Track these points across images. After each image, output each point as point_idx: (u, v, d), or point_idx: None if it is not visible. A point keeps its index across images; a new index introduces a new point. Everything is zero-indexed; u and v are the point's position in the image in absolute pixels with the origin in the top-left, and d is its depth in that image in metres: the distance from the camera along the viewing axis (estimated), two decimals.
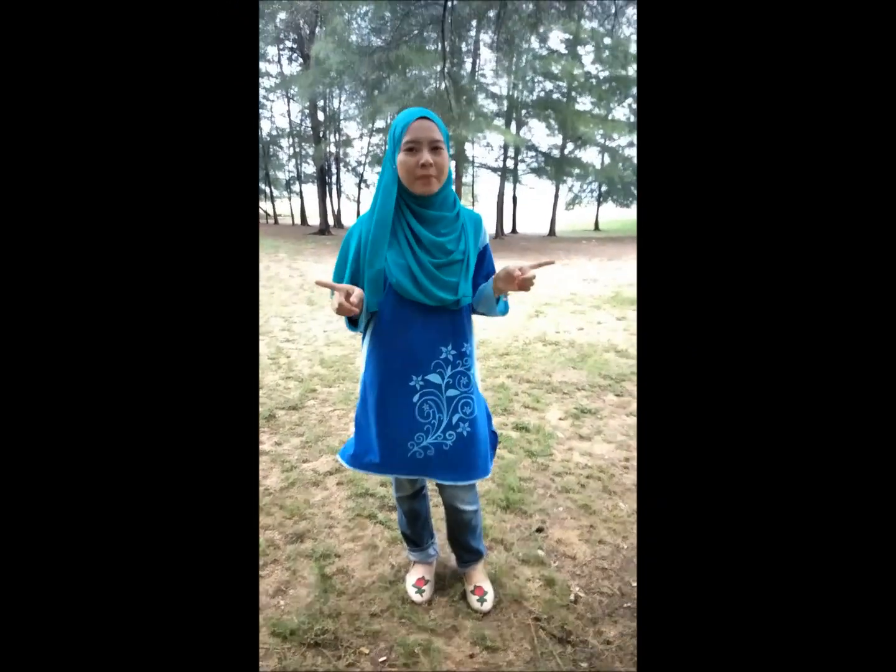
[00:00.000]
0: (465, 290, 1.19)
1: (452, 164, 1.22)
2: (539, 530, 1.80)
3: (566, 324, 5.10)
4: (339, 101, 19.89)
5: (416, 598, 1.46)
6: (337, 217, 22.10)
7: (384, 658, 1.28)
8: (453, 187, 1.23)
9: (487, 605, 1.43)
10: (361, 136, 20.80)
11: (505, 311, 1.29)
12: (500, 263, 1.21)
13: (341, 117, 20.27)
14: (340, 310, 1.07)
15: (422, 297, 1.16)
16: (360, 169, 22.35)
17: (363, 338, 1.30)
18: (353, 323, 1.25)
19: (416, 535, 1.51)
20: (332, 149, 20.11)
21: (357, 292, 1.09)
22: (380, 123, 18.42)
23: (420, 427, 1.25)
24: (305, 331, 4.69)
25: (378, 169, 22.17)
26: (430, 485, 1.62)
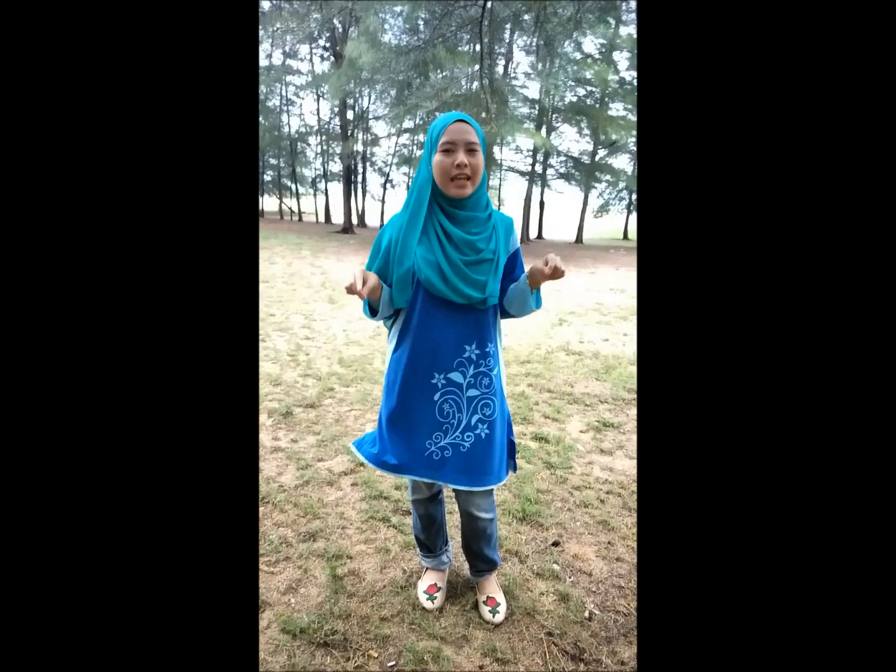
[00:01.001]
0: (492, 288, 1.19)
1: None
2: (555, 544, 1.76)
3: (591, 334, 5.03)
4: (369, 101, 20.07)
5: (428, 605, 1.44)
6: (361, 216, 22.26)
7: (393, 662, 1.27)
8: (477, 190, 1.23)
9: (500, 617, 1.41)
10: (389, 136, 20.90)
11: (538, 305, 1.29)
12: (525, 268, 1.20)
13: (370, 117, 20.44)
14: (349, 288, 1.04)
15: (450, 294, 1.17)
16: (385, 169, 22.49)
17: (389, 335, 1.32)
18: (371, 312, 1.25)
19: (430, 540, 1.50)
20: (360, 147, 20.27)
21: (370, 281, 1.09)
22: (408, 124, 18.51)
23: (439, 426, 1.25)
24: (325, 329, 4.72)
25: (404, 169, 22.32)
26: (447, 490, 1.60)
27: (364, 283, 1.06)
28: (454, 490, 1.36)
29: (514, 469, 1.41)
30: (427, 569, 1.53)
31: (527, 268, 1.23)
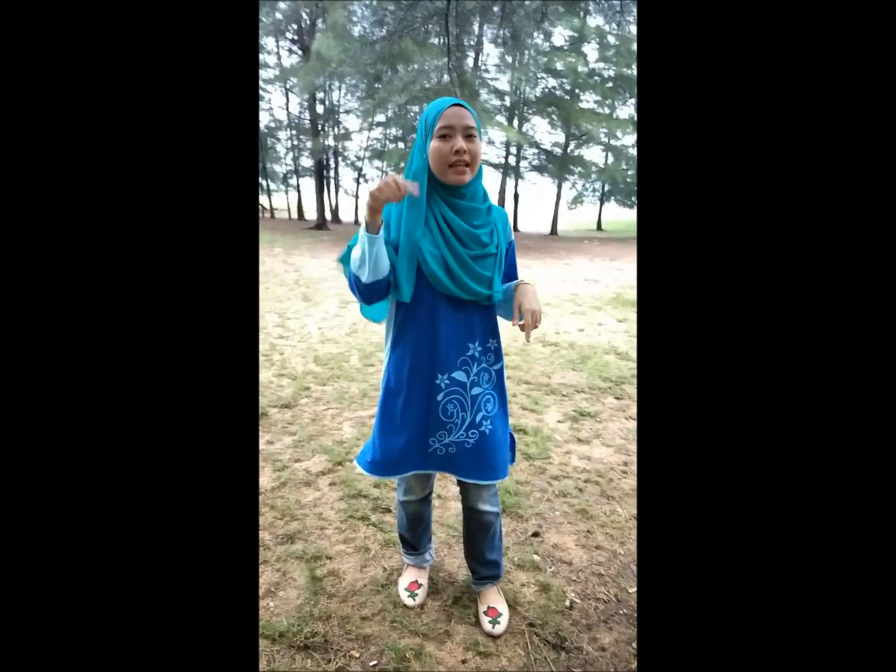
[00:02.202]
0: (497, 284, 1.16)
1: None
2: (535, 534, 1.77)
3: (566, 325, 5.08)
4: (340, 94, 19.79)
5: (409, 602, 1.43)
6: (335, 212, 22.01)
7: (375, 662, 1.26)
8: (475, 178, 1.17)
9: (500, 629, 1.35)
10: (361, 130, 20.67)
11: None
12: None
13: (341, 110, 20.17)
14: (385, 189, 0.97)
15: (456, 290, 1.13)
16: (358, 164, 22.24)
17: (386, 334, 1.25)
18: (368, 298, 1.13)
19: (415, 539, 1.48)
20: (331, 142, 20.00)
21: (414, 183, 1.01)
22: (380, 118, 18.33)
23: (443, 426, 1.21)
24: (300, 327, 4.66)
25: (377, 163, 22.11)
26: (442, 491, 1.60)
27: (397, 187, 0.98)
28: (460, 487, 1.34)
29: (513, 461, 1.37)
30: (408, 565, 1.52)
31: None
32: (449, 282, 1.12)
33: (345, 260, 1.17)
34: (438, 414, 1.19)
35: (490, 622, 1.36)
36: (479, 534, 1.39)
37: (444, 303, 1.15)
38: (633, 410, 2.91)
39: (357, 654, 1.28)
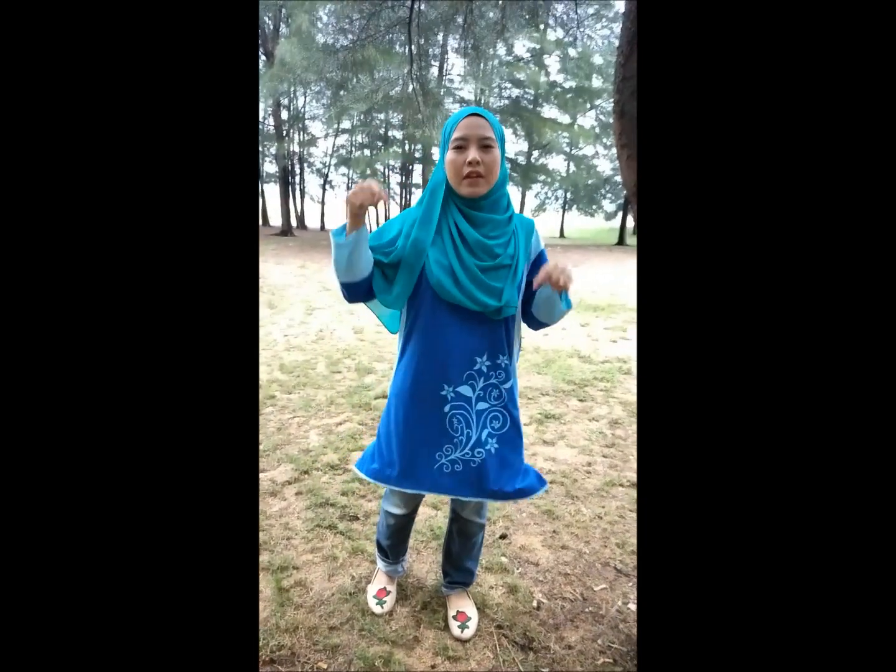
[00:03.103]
0: (509, 296, 1.11)
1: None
2: (503, 537, 1.79)
3: (531, 330, 5.14)
4: (305, 100, 19.60)
5: (377, 609, 1.42)
6: (300, 218, 21.70)
7: None
8: (495, 189, 1.13)
9: (469, 633, 1.36)
10: (326, 137, 20.51)
11: (569, 306, 1.18)
12: None
13: (306, 116, 19.96)
14: (360, 193, 0.98)
15: (464, 300, 1.10)
16: (324, 170, 22.04)
17: (398, 343, 1.24)
18: (348, 296, 1.15)
19: (392, 549, 1.47)
20: (296, 148, 19.76)
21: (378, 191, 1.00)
22: (345, 124, 18.23)
23: (450, 439, 1.18)
24: (265, 335, 4.57)
25: (343, 170, 21.97)
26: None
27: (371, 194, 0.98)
28: (456, 500, 1.33)
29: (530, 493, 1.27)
30: (379, 570, 1.51)
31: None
32: (456, 291, 1.10)
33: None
34: (446, 426, 1.17)
35: (459, 626, 1.37)
36: (462, 541, 1.39)
37: (451, 313, 1.12)
38: (596, 412, 2.98)
39: (325, 666, 1.26)
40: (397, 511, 1.38)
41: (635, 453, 2.47)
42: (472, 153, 1.06)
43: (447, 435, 1.18)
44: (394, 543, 1.46)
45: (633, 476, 2.25)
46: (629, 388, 3.41)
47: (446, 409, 1.17)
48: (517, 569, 1.64)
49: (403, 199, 21.77)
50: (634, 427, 2.78)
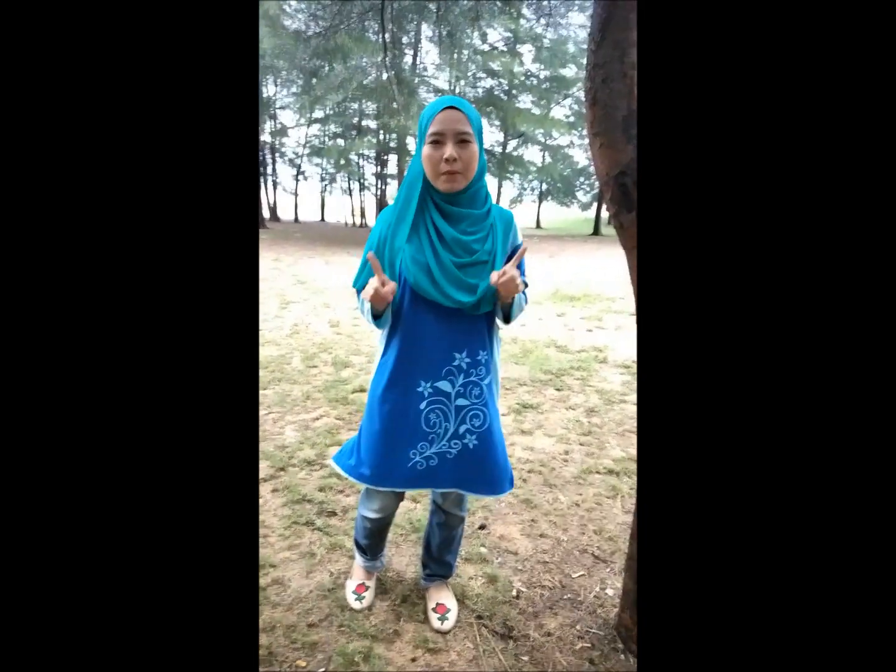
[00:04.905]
0: (485, 292, 1.10)
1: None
2: (482, 527, 1.80)
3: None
4: (275, 88, 19.15)
5: (356, 605, 1.41)
6: (273, 210, 21.29)
7: (322, 669, 1.23)
8: (473, 183, 1.12)
9: (448, 624, 1.36)
10: (298, 126, 20.11)
11: (524, 302, 1.21)
12: None
13: (276, 105, 19.52)
14: (375, 296, 1.04)
15: (439, 298, 1.09)
16: (297, 161, 21.63)
17: (381, 341, 1.23)
18: (376, 318, 1.15)
19: (371, 548, 1.46)
20: (267, 138, 19.34)
21: (391, 284, 1.05)
22: (318, 113, 17.90)
23: (425, 437, 1.17)
24: None
25: (316, 160, 21.60)
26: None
27: (383, 284, 1.04)
28: (438, 492, 1.31)
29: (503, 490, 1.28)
30: (357, 566, 1.50)
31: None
32: (432, 289, 1.09)
33: (357, 286, 1.20)
34: (421, 424, 1.16)
35: (439, 619, 1.37)
36: (442, 534, 1.39)
37: (430, 310, 1.12)
38: (573, 401, 3.01)
39: (304, 664, 1.24)
40: (373, 516, 1.37)
41: (611, 440, 2.51)
42: (449, 150, 1.04)
43: (421, 432, 1.17)
44: (372, 543, 1.45)
45: (609, 463, 2.28)
46: (605, 377, 3.46)
47: (422, 405, 1.16)
48: (496, 559, 1.64)
49: (378, 190, 21.55)
50: (610, 415, 2.82)
